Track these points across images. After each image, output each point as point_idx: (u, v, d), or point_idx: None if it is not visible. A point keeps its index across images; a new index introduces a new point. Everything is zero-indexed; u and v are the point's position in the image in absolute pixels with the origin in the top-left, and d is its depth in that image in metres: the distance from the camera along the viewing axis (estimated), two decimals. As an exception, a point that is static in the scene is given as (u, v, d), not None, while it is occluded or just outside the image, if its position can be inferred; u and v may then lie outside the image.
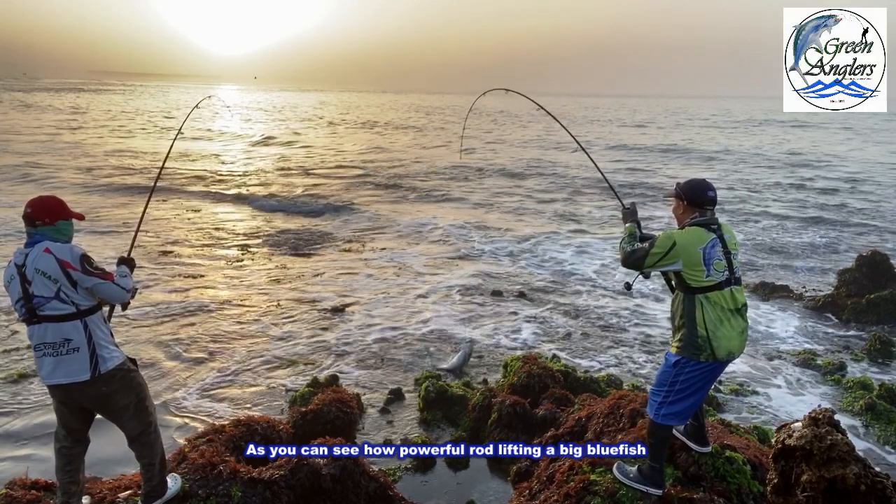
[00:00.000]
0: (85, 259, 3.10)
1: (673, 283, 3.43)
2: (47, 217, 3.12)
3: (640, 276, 3.56)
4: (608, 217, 18.12)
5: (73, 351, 3.09)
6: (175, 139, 5.24)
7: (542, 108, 5.26)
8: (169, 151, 5.33)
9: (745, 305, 3.29)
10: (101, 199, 17.68)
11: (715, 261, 3.19)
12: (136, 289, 3.59)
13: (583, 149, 4.99)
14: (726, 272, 3.22)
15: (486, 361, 7.86)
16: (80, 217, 3.30)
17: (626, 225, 3.70)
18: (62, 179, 21.15)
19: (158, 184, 5.24)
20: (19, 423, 5.93)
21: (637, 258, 3.30)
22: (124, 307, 3.54)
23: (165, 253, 12.44)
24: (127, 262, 3.50)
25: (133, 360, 3.41)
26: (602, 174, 4.72)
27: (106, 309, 3.41)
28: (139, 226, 4.14)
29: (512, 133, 48.80)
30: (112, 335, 3.30)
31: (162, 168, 5.23)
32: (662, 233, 3.31)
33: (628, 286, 3.70)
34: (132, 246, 3.90)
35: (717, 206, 3.37)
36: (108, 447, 4.44)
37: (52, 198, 3.22)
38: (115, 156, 27.84)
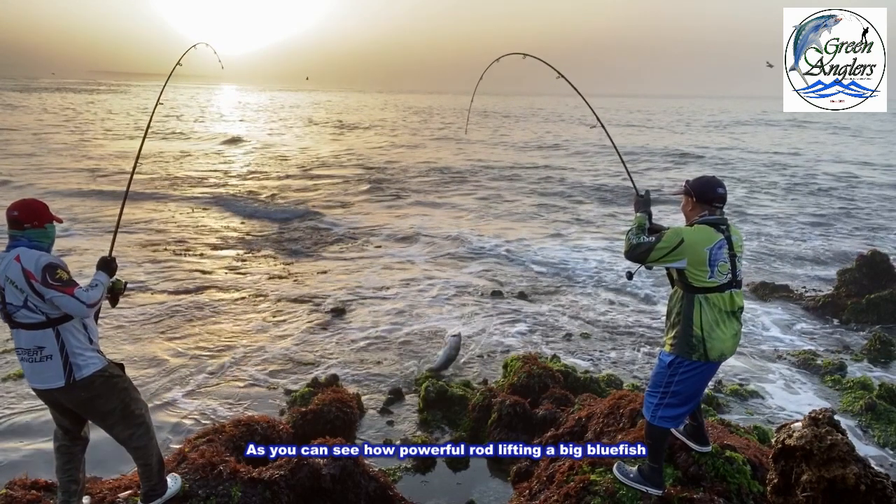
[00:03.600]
0: (47, 269, 2.99)
1: (674, 278, 3.39)
2: (36, 220, 3.10)
3: (643, 267, 3.46)
4: (607, 217, 18.12)
5: (46, 358, 3.07)
6: (155, 108, 4.81)
7: (561, 75, 5.00)
8: (150, 121, 4.85)
9: (741, 308, 3.28)
10: (101, 201, 17.64)
11: (720, 263, 3.16)
12: (126, 285, 3.55)
13: (602, 125, 4.78)
14: (729, 275, 3.20)
15: (486, 361, 7.86)
16: (59, 220, 3.28)
17: (637, 214, 3.57)
18: (63, 181, 21.15)
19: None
20: (19, 422, 5.92)
21: (642, 252, 3.23)
22: (113, 303, 3.51)
23: (166, 253, 12.43)
24: (107, 265, 3.38)
25: (120, 365, 3.37)
26: (619, 155, 4.56)
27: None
28: (118, 224, 3.95)
29: (508, 134, 48.80)
30: (92, 341, 3.21)
31: (138, 154, 4.52)
32: (671, 228, 3.25)
33: (630, 275, 3.59)
34: (112, 245, 3.71)
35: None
36: (108, 447, 4.43)
37: (36, 201, 3.20)
38: (116, 157, 27.81)
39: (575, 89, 4.97)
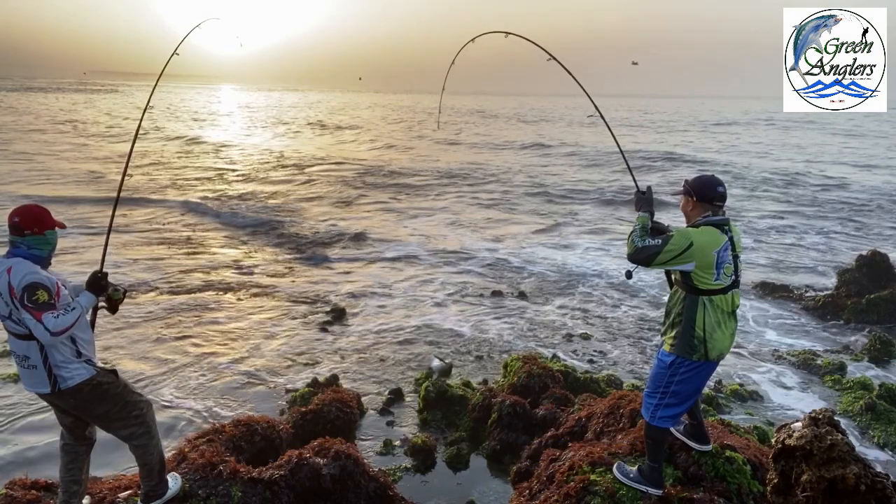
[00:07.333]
0: (27, 289, 2.94)
1: (673, 277, 3.37)
2: (36, 227, 3.09)
3: (641, 266, 3.33)
4: (606, 217, 18.13)
5: (32, 367, 3.11)
6: (145, 111, 4.31)
7: (553, 58, 4.72)
8: (139, 125, 4.48)
9: (738, 306, 3.29)
10: (101, 202, 17.64)
11: (725, 265, 3.14)
12: (125, 293, 3.52)
13: (600, 114, 4.59)
14: (733, 276, 3.19)
15: (486, 361, 7.86)
16: (62, 226, 3.26)
17: (639, 214, 3.43)
18: (66, 182, 21.14)
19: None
20: (20, 423, 5.93)
21: (648, 255, 3.14)
22: (112, 311, 3.48)
23: (166, 253, 12.43)
24: (95, 283, 3.27)
25: (112, 371, 3.35)
26: (618, 145, 4.46)
27: (89, 315, 3.36)
28: (108, 235, 3.78)
29: (505, 135, 48.78)
30: (80, 353, 3.16)
31: (131, 152, 4.23)
32: (678, 231, 3.19)
33: (629, 275, 3.47)
34: (103, 259, 3.55)
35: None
36: (108, 447, 4.43)
37: (37, 206, 3.19)
38: (119, 157, 27.79)
39: (568, 72, 4.75)
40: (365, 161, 29.60)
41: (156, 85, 4.46)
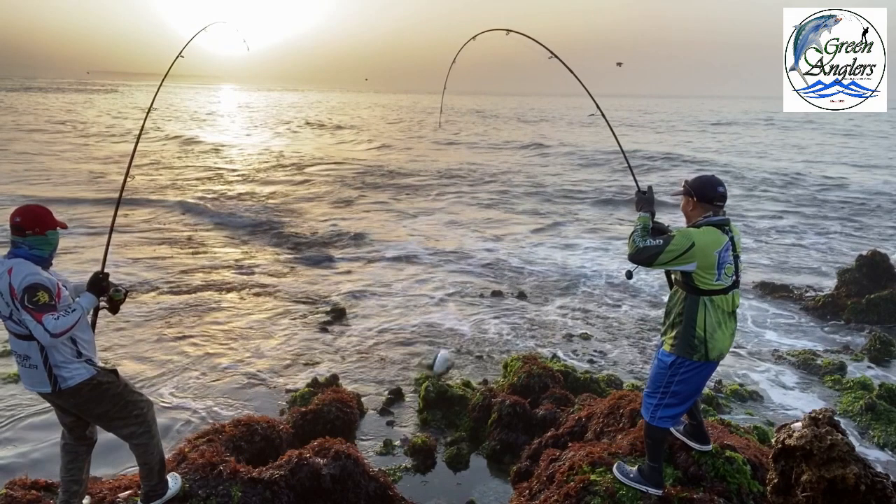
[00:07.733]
0: (28, 290, 2.95)
1: (673, 277, 3.37)
2: (37, 227, 3.09)
3: (641, 267, 3.33)
4: (605, 217, 18.12)
5: (32, 367, 3.12)
6: (148, 114, 4.43)
7: (554, 55, 4.70)
8: (142, 126, 4.48)
9: (737, 307, 3.29)
10: (102, 203, 17.64)
11: (726, 265, 3.15)
12: (126, 294, 3.51)
13: (601, 112, 4.57)
14: (734, 276, 3.20)
15: (486, 361, 7.86)
16: (64, 226, 3.25)
17: (640, 215, 3.44)
18: (66, 182, 21.14)
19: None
20: (20, 423, 5.92)
21: (650, 255, 3.14)
22: (113, 312, 3.48)
23: (167, 253, 12.43)
24: (97, 284, 3.28)
25: (113, 371, 3.35)
26: (620, 146, 4.45)
27: (90, 315, 3.36)
28: (110, 236, 3.78)
29: (503, 135, 48.75)
30: (80, 354, 3.17)
31: (133, 155, 4.23)
32: (679, 231, 3.19)
33: (629, 275, 3.47)
34: (105, 260, 3.55)
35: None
36: (108, 447, 4.43)
37: (39, 207, 3.19)
38: (120, 156, 27.79)
39: (569, 69, 4.71)
40: (364, 161, 29.60)
41: (159, 87, 4.48)
